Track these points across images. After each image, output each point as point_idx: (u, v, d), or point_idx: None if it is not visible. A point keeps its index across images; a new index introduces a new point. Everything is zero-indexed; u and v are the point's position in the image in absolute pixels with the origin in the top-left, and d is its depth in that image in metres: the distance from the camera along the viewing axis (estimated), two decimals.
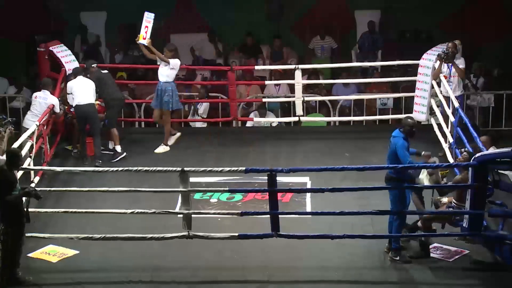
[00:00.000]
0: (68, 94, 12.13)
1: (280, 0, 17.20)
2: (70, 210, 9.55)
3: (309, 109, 14.32)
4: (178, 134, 12.66)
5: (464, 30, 15.66)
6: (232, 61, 16.02)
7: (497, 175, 9.03)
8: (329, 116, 14.16)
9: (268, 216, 9.12)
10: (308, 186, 10.87)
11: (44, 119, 11.49)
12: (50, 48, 13.00)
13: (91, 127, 11.98)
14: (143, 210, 9.32)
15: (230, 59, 16.38)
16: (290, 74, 13.83)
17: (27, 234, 9.09)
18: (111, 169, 9.72)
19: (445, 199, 9.33)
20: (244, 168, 9.16)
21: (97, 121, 12.09)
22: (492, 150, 9.49)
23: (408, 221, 9.34)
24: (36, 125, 11.04)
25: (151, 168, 9.33)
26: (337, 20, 16.87)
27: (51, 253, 9.41)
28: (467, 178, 8.95)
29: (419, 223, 9.28)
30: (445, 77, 12.11)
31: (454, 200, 9.17)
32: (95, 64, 12.38)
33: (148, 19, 12.28)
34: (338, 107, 14.30)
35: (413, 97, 12.86)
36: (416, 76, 12.75)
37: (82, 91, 11.87)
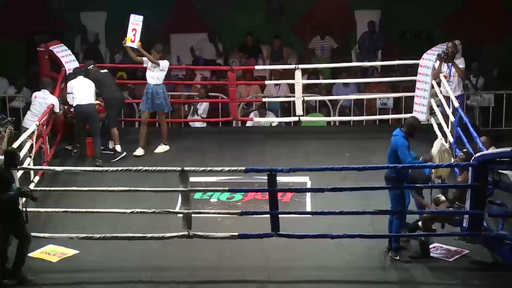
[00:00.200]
0: (68, 93, 12.14)
1: (280, 0, 17.20)
2: (70, 210, 9.55)
3: (309, 109, 14.32)
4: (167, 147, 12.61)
5: (464, 30, 15.67)
6: (232, 61, 16.02)
7: (497, 175, 9.03)
8: (329, 116, 14.16)
9: (268, 216, 9.13)
10: (308, 186, 10.87)
11: (44, 119, 11.49)
12: (50, 48, 13.00)
13: (91, 127, 11.99)
14: (143, 210, 9.32)
15: (230, 59, 16.38)
16: (290, 74, 13.83)
17: None
18: (111, 169, 9.72)
19: (444, 198, 9.31)
20: (244, 168, 9.16)
21: (97, 121, 12.10)
22: (492, 150, 9.49)
23: (409, 220, 9.35)
24: (36, 125, 11.04)
25: (151, 168, 9.33)
26: (337, 20, 16.87)
27: (51, 253, 9.41)
28: (467, 179, 8.95)
29: (419, 223, 9.28)
30: (445, 77, 12.12)
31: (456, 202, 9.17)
32: (92, 66, 12.32)
33: (136, 21, 12.19)
34: (338, 107, 14.31)
35: (413, 97, 12.86)
36: (416, 76, 12.75)
37: (83, 91, 11.88)
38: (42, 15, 16.79)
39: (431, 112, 12.65)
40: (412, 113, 12.66)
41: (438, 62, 12.24)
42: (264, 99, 14.01)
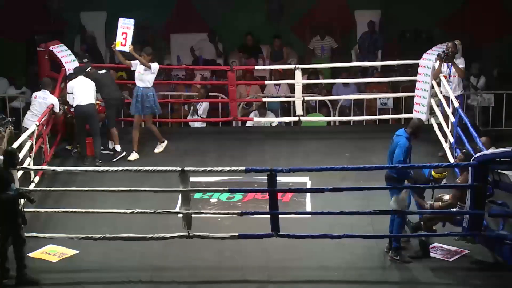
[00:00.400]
0: (69, 93, 12.14)
1: (280, 0, 17.20)
2: (70, 210, 9.55)
3: (309, 109, 14.32)
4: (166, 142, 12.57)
5: (464, 30, 15.66)
6: (232, 61, 16.02)
7: (497, 175, 9.03)
8: (329, 116, 14.16)
9: (268, 216, 9.12)
10: (308, 186, 10.87)
11: (44, 119, 11.49)
12: (50, 48, 13.00)
13: (91, 127, 11.99)
14: (143, 210, 9.31)
15: (230, 59, 16.38)
16: (290, 74, 13.82)
17: (27, 234, 9.10)
18: (111, 169, 9.72)
19: (446, 197, 9.31)
20: (244, 168, 9.16)
21: (97, 121, 12.10)
22: (492, 150, 9.49)
23: (412, 220, 9.36)
24: (36, 125, 11.04)
25: (151, 168, 9.33)
26: (337, 20, 16.86)
27: (51, 253, 9.41)
28: (467, 180, 8.95)
29: (422, 222, 9.28)
30: (445, 77, 12.11)
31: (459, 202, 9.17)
32: (89, 68, 12.29)
33: (126, 25, 12.13)
34: (338, 107, 14.31)
35: (413, 97, 12.86)
36: (416, 76, 12.75)
37: (83, 91, 11.87)
38: (42, 15, 16.79)
39: (431, 112, 12.65)
40: (412, 113, 12.67)
41: (438, 62, 12.23)
42: (264, 99, 14.00)
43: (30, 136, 10.80)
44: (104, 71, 12.60)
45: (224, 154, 12.35)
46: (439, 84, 12.34)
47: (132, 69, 12.28)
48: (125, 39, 12.10)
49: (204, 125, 13.96)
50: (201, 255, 9.35)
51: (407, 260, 9.13)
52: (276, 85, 14.70)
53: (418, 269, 9.03)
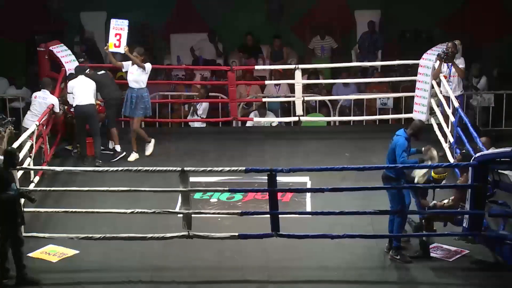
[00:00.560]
0: (69, 93, 12.14)
1: (280, 0, 17.20)
2: (70, 210, 9.55)
3: (309, 109, 14.32)
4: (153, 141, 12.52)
5: (464, 30, 15.66)
6: (232, 61, 16.02)
7: (497, 175, 9.03)
8: (329, 116, 14.16)
9: (268, 216, 9.12)
10: (308, 186, 10.87)
11: (44, 119, 11.49)
12: (50, 48, 13.01)
13: (91, 127, 11.99)
14: (143, 210, 9.31)
15: (230, 59, 16.38)
16: (290, 74, 13.83)
17: (27, 234, 9.11)
18: (111, 169, 9.72)
19: (446, 200, 9.31)
20: (244, 168, 9.16)
21: (97, 121, 12.10)
22: (492, 150, 9.49)
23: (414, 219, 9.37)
24: (36, 125, 11.03)
25: (151, 168, 9.33)
26: (337, 20, 16.86)
27: (51, 253, 9.41)
28: (467, 180, 8.95)
29: (423, 221, 9.29)
30: (445, 77, 12.12)
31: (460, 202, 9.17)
32: (88, 70, 12.27)
33: (119, 26, 12.10)
34: (338, 107, 14.31)
35: (413, 97, 12.86)
36: (416, 76, 12.75)
37: (83, 91, 11.87)
38: (42, 15, 16.79)
39: (431, 112, 12.65)
40: (412, 113, 12.67)
41: (438, 62, 12.24)
42: (264, 99, 14.00)
43: (30, 136, 10.79)
44: (103, 71, 12.59)
45: (224, 154, 12.36)
46: (439, 84, 12.34)
47: (124, 70, 12.24)
48: (119, 40, 12.07)
49: (204, 125, 13.96)
50: (201, 255, 9.35)
51: (408, 260, 9.13)
52: (276, 85, 14.70)
53: (418, 269, 9.03)
